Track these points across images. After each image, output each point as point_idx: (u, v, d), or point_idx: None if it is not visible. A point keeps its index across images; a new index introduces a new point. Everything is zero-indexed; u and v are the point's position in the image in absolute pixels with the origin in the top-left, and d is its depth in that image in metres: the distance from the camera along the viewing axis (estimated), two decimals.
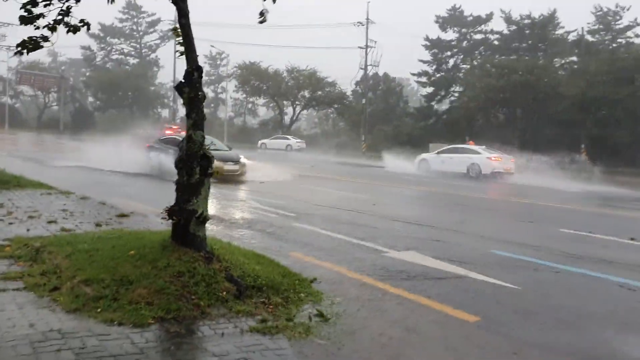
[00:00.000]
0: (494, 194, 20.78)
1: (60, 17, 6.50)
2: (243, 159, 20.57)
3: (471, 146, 29.18)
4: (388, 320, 5.46)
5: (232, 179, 18.80)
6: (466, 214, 14.07)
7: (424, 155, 30.51)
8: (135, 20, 78.48)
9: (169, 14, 76.33)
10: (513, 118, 46.75)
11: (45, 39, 6.50)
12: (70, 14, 6.52)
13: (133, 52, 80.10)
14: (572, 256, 8.94)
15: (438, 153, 29.45)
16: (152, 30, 78.96)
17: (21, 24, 6.64)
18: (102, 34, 76.73)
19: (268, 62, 63.67)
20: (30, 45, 6.52)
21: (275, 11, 7.10)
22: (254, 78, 60.52)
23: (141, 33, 79.29)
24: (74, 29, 6.67)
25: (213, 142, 21.15)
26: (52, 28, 6.47)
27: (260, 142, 54.37)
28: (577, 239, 10.82)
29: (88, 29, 6.88)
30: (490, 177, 26.19)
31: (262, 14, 6.57)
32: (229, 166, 19.22)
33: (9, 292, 5.58)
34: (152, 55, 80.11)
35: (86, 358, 4.15)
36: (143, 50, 79.77)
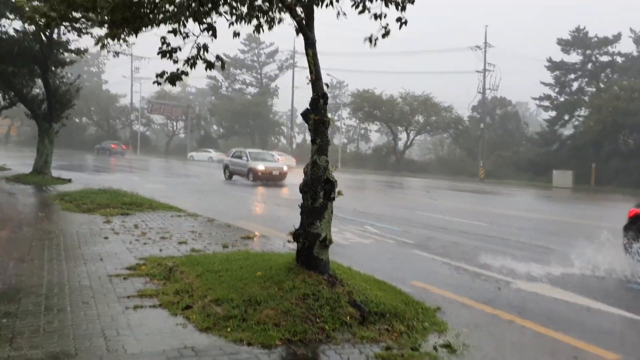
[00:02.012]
0: None
1: (197, 53, 6.99)
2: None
3: None
4: (517, 354, 5.18)
5: None
6: None
7: None
8: (256, 51, 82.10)
9: (286, 43, 79.17)
10: None
11: (185, 73, 6.99)
12: (208, 50, 6.99)
13: (254, 82, 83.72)
14: None
15: None
16: (270, 60, 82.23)
17: (160, 56, 7.19)
18: (225, 65, 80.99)
19: (382, 88, 63.87)
20: (171, 77, 7.03)
21: (392, 39, 7.16)
22: (367, 104, 60.92)
23: (261, 63, 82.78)
24: (210, 65, 7.13)
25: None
26: (193, 64, 6.96)
27: (189, 154, 66.24)
28: None
29: (223, 66, 7.35)
30: None
31: (370, 40, 6.88)
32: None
33: (146, 308, 5.92)
34: (272, 85, 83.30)
35: None
36: (263, 80, 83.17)
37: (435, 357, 4.92)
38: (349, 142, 78.86)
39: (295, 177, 20.69)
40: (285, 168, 29.16)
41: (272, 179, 28.07)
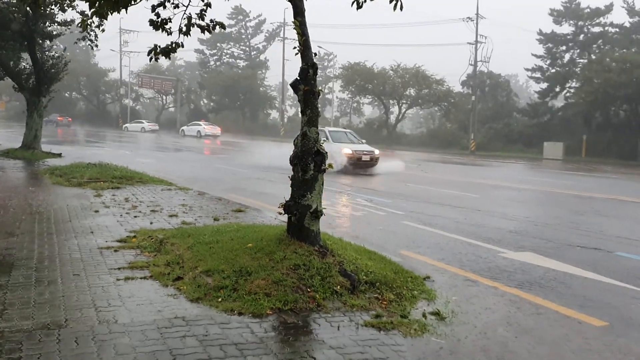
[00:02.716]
0: None
1: (188, 21, 6.91)
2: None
3: None
4: (505, 321, 5.25)
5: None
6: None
7: None
8: (243, 23, 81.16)
9: (274, 15, 78.33)
10: (635, 115, 43.47)
11: (179, 45, 6.91)
12: (204, 17, 6.92)
13: (242, 55, 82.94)
14: None
15: None
16: (258, 32, 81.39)
17: (153, 28, 7.09)
18: (212, 39, 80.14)
19: (374, 61, 63.44)
20: (165, 50, 6.94)
21: (381, 9, 7.07)
22: (358, 78, 60.56)
23: (249, 36, 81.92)
24: (208, 29, 7.05)
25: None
26: (187, 32, 6.88)
27: (124, 125, 68.26)
28: None
29: (223, 27, 7.28)
30: None
31: (357, 3, 6.49)
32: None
33: (137, 280, 5.94)
34: (261, 57, 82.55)
35: (209, 345, 4.32)
36: (252, 53, 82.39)
37: (424, 324, 4.97)
38: (341, 116, 78.62)
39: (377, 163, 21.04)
40: (376, 152, 22.44)
41: (362, 167, 21.78)
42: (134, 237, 7.90)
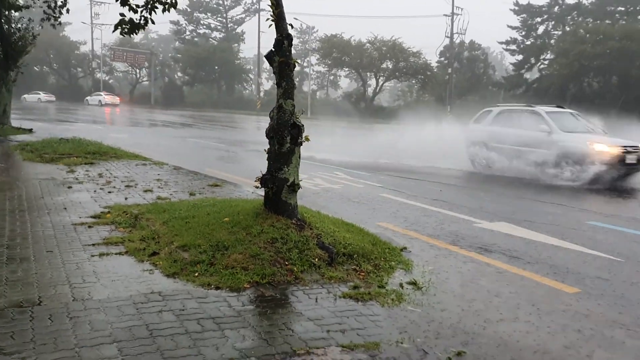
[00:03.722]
0: None
1: None
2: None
3: None
4: (481, 290, 5.31)
5: None
6: None
7: None
8: None
9: None
10: (608, 86, 43.99)
11: (147, 22, 6.70)
12: None
13: (219, 27, 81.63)
14: None
15: None
16: (236, 4, 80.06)
17: (120, 4, 6.87)
18: (189, 9, 78.66)
19: (351, 33, 63.04)
20: (130, 27, 6.74)
21: None
22: (335, 50, 60.15)
23: (227, 7, 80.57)
24: (170, 5, 6.84)
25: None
26: (152, 9, 6.67)
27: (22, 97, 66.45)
28: None
29: (174, 6, 7.03)
30: None
31: None
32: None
33: (112, 255, 5.86)
34: (238, 29, 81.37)
35: (186, 319, 4.29)
36: (229, 25, 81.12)
37: (400, 294, 5.00)
38: (319, 89, 78.20)
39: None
40: None
41: (625, 173, 13.19)
42: (109, 212, 7.78)
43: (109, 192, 9.45)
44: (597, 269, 6.24)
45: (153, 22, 6.87)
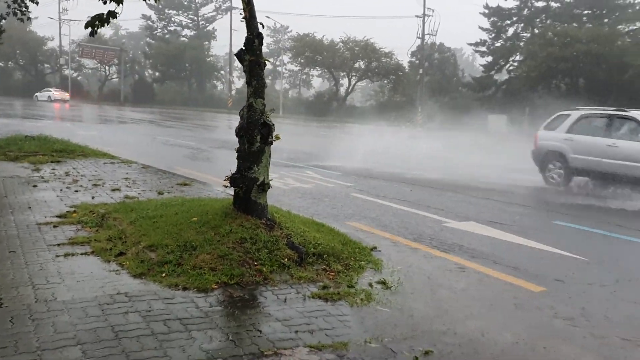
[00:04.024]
0: None
1: None
2: None
3: None
4: (449, 288, 5.35)
5: None
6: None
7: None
8: None
9: None
10: (575, 88, 44.85)
11: (113, 14, 6.56)
12: None
13: (190, 24, 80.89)
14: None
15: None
16: (207, 1, 79.42)
17: None
18: (160, 6, 77.72)
19: (323, 33, 63.08)
20: (100, 18, 6.60)
21: None
22: (308, 49, 60.14)
23: (198, 4, 79.88)
24: None
25: None
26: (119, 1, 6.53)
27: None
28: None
29: None
30: None
31: None
32: None
33: (78, 256, 5.75)
34: (209, 27, 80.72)
35: (153, 320, 4.23)
36: (200, 23, 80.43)
37: (370, 294, 5.01)
38: (291, 88, 78.05)
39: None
40: None
41: None
42: (75, 212, 7.64)
43: (76, 191, 9.28)
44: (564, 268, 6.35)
45: (115, 17, 6.71)
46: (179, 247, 5.60)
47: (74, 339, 3.86)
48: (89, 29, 6.73)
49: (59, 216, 7.39)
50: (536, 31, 52.08)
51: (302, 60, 63.31)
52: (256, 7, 6.35)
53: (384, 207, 9.52)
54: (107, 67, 79.63)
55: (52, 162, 12.54)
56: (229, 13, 71.58)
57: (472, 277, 5.83)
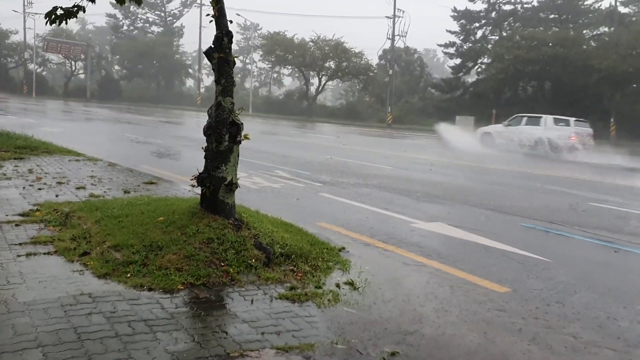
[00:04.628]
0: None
1: None
2: None
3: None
4: (416, 289, 5.40)
5: None
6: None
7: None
8: None
9: None
10: (542, 91, 45.73)
11: (80, 9, 6.40)
12: None
13: (158, 21, 79.92)
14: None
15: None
16: None
17: None
18: (126, 2, 76.49)
19: (294, 31, 62.98)
20: (66, 13, 6.42)
21: None
22: (279, 48, 59.97)
23: (164, 1, 78.95)
24: None
25: None
26: None
27: None
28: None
29: None
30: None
31: None
32: None
33: (40, 255, 5.63)
34: (177, 24, 79.89)
35: (117, 322, 4.16)
36: (168, 19, 79.52)
37: (337, 295, 5.02)
38: (261, 86, 77.72)
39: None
40: None
41: None
42: (38, 210, 7.47)
43: (39, 188, 9.08)
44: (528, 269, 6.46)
45: (84, 11, 6.54)
46: (144, 247, 5.52)
47: (34, 341, 3.77)
48: (48, 18, 6.54)
49: (22, 215, 7.23)
50: (504, 34, 52.92)
51: (272, 59, 63.11)
52: (226, 4, 6.30)
53: (353, 208, 9.53)
54: (73, 63, 78.08)
55: (14, 159, 12.25)
56: (196, 8, 70.96)
57: (438, 277, 5.88)
